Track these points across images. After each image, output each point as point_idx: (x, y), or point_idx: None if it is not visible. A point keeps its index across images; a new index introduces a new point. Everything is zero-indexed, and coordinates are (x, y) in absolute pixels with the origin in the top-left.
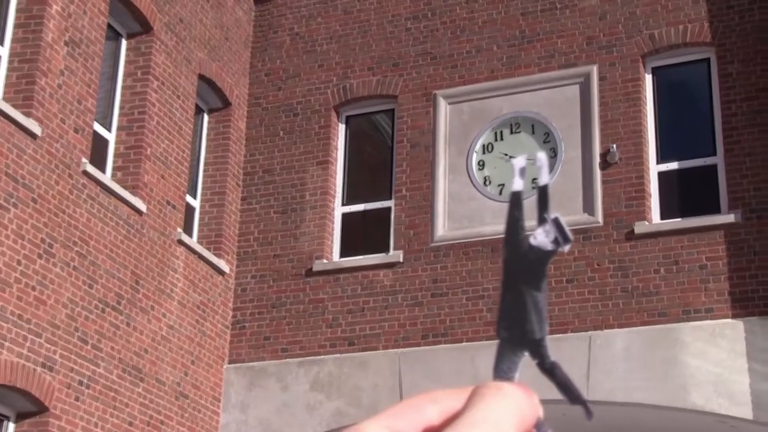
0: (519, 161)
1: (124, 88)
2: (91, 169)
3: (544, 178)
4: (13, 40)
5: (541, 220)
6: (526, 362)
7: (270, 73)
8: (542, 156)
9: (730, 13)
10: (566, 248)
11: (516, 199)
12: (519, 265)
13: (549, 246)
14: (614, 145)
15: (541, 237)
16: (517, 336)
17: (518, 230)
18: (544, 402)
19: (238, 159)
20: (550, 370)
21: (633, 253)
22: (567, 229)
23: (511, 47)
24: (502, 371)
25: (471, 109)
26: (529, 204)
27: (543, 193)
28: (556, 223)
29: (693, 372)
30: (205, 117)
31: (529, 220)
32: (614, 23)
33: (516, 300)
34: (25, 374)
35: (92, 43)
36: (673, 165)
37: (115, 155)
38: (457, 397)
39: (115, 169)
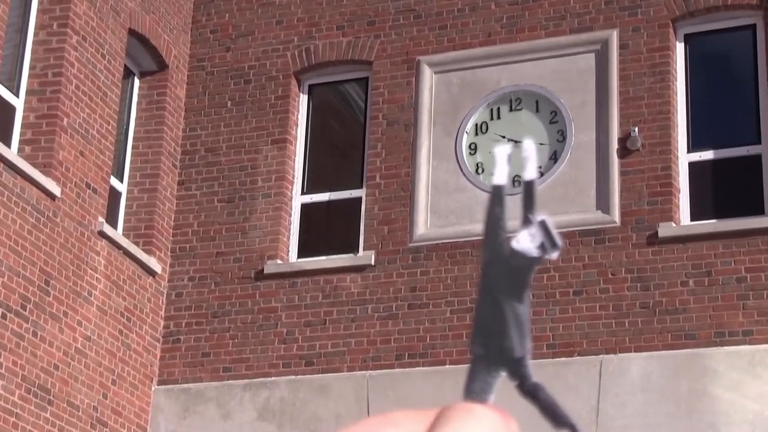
0: (503, 149)
1: (35, 43)
2: None
3: (530, 172)
4: None
5: (526, 222)
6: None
7: (216, 29)
8: (530, 145)
9: None
10: (554, 255)
11: (498, 194)
12: (499, 272)
13: (534, 252)
14: (636, 128)
15: (525, 241)
16: (493, 353)
17: (499, 231)
18: None
19: (175, 134)
20: (532, 392)
21: (656, 260)
22: (555, 233)
23: (513, 5)
24: (474, 392)
25: (462, 81)
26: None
27: (529, 190)
28: (543, 226)
29: (726, 407)
30: (136, 81)
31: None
32: None
33: (494, 312)
34: None
35: None
36: (708, 154)
37: (23, 126)
38: (421, 420)
39: (22, 142)
